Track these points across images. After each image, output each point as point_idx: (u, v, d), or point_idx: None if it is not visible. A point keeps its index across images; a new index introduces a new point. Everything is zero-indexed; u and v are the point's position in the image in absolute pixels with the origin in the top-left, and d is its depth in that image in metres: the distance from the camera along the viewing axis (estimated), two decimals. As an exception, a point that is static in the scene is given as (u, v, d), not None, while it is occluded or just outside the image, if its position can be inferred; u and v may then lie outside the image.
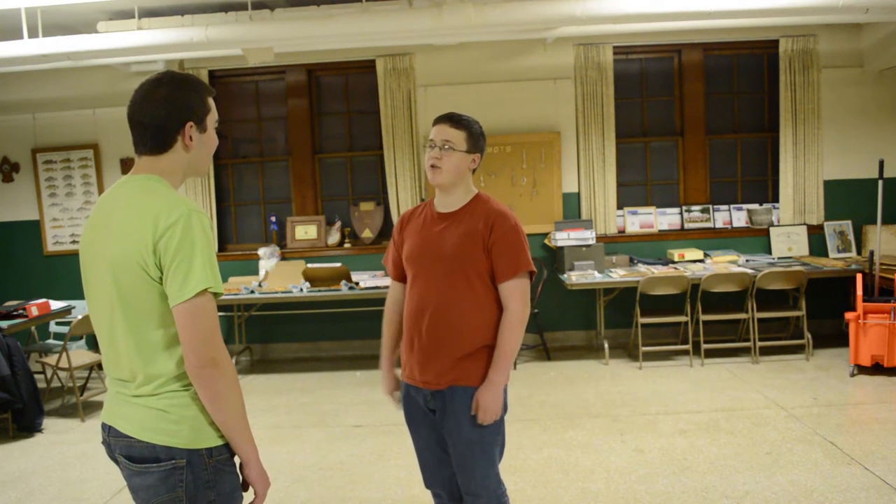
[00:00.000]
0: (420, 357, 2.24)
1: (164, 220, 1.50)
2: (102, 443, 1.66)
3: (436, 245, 2.23)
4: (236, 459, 1.64)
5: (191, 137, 1.62)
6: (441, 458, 2.32)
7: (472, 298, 2.19)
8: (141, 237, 1.52)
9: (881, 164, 5.18)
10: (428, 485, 2.42)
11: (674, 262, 5.87)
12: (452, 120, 2.24)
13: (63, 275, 6.31)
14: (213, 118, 1.68)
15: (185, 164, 1.65)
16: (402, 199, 6.12)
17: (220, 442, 1.58)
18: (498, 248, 2.17)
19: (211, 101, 1.67)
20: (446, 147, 2.21)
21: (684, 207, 6.24)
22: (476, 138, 2.25)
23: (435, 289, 2.21)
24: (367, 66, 6.21)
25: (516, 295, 2.19)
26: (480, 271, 2.19)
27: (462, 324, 2.18)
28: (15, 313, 5.07)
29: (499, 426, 2.25)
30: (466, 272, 2.18)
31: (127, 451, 1.57)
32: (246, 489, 1.66)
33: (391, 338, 2.42)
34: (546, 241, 6.11)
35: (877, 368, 4.91)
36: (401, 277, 2.39)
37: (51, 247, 6.44)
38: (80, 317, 4.93)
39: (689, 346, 5.48)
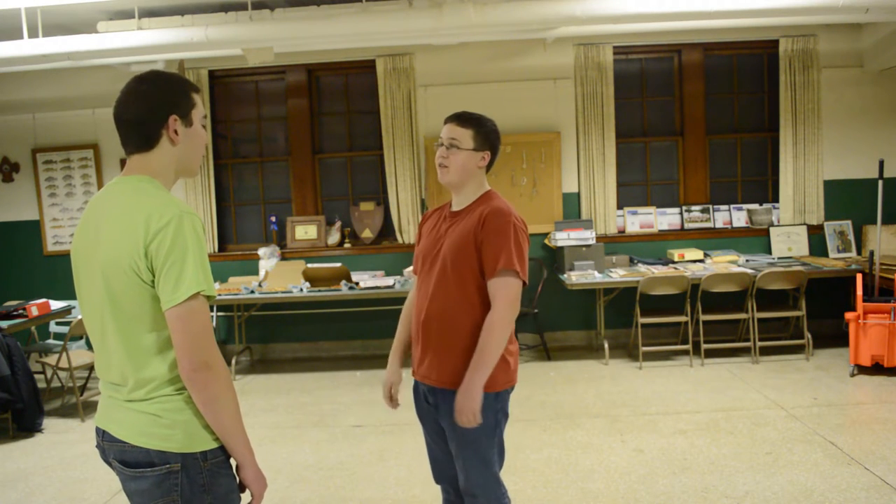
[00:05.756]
0: (418, 353, 2.27)
1: (156, 223, 1.49)
2: (97, 447, 1.65)
3: (438, 244, 2.24)
4: (232, 461, 1.63)
5: (175, 131, 1.61)
6: (448, 452, 2.30)
7: (463, 298, 2.15)
8: (132, 240, 1.50)
9: (881, 164, 5.18)
10: (437, 479, 2.42)
11: (674, 262, 5.87)
12: (459, 119, 2.23)
13: (63, 275, 6.28)
14: (199, 113, 1.66)
15: (175, 162, 1.64)
16: (402, 199, 6.12)
17: (214, 445, 1.57)
18: (485, 243, 2.12)
19: (196, 97, 1.65)
20: (452, 146, 2.21)
21: (684, 207, 6.24)
22: (485, 136, 2.23)
23: (431, 287, 2.21)
24: (367, 66, 6.21)
25: (500, 294, 2.10)
26: (474, 270, 2.14)
27: (451, 324, 2.16)
28: (15, 313, 5.07)
29: (493, 431, 2.19)
30: (460, 271, 2.15)
31: (121, 456, 1.56)
32: (243, 490, 1.66)
33: (402, 333, 2.42)
34: (546, 241, 6.11)
35: (877, 368, 4.91)
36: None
37: (51, 247, 6.44)
38: (80, 317, 4.93)
39: (689, 346, 5.48)
